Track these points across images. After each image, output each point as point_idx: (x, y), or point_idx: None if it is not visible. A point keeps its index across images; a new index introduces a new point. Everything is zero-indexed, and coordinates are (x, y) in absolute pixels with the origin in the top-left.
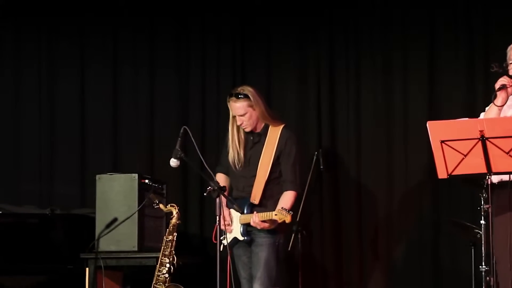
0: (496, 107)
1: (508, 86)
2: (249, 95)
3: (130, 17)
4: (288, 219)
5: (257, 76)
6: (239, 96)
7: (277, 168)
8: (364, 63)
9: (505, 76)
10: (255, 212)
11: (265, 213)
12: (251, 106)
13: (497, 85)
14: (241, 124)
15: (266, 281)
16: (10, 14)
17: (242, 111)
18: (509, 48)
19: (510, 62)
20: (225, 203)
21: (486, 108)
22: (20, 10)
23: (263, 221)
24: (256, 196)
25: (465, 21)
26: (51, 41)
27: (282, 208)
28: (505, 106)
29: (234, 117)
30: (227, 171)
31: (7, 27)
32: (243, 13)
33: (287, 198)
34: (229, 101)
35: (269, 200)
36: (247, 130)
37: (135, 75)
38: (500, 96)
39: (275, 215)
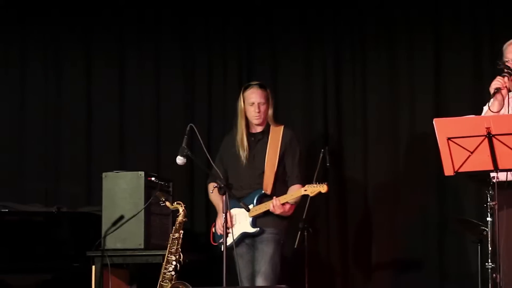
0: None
1: (502, 88)
2: (269, 91)
3: (135, 16)
4: (324, 188)
5: (263, 74)
6: (262, 86)
7: (282, 163)
8: (370, 61)
9: (498, 78)
10: (274, 197)
11: (289, 194)
12: (268, 100)
13: (491, 90)
14: (258, 113)
15: (270, 275)
16: (15, 14)
17: (263, 100)
18: (505, 46)
19: (506, 60)
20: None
21: (485, 108)
22: (26, 8)
23: (283, 204)
24: (268, 186)
25: (471, 20)
26: (56, 39)
27: (310, 183)
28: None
29: (243, 115)
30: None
31: (14, 29)
32: (249, 11)
33: (295, 191)
34: (248, 89)
35: (277, 195)
36: (257, 122)
37: (140, 73)
38: (496, 100)
39: (305, 190)
